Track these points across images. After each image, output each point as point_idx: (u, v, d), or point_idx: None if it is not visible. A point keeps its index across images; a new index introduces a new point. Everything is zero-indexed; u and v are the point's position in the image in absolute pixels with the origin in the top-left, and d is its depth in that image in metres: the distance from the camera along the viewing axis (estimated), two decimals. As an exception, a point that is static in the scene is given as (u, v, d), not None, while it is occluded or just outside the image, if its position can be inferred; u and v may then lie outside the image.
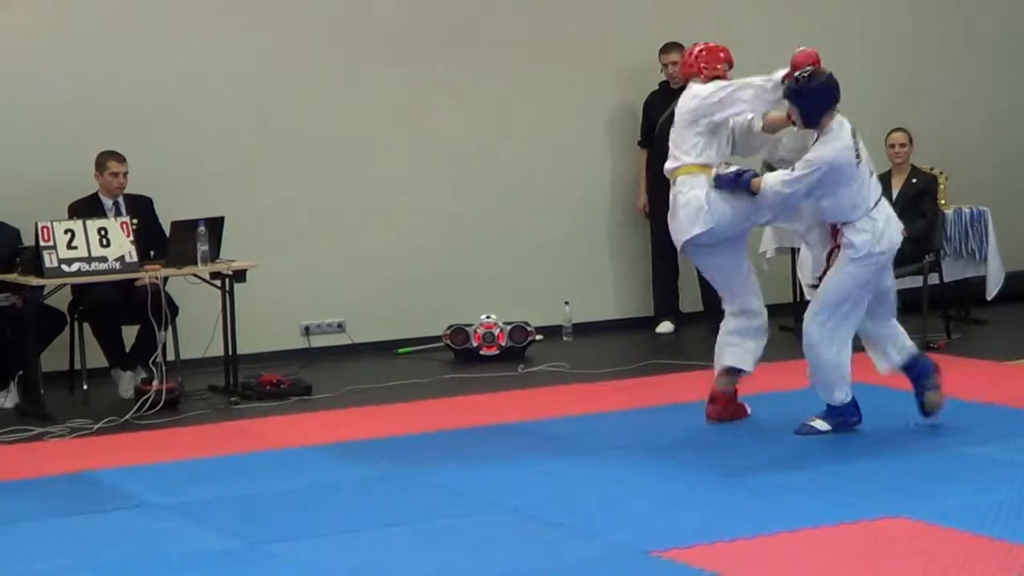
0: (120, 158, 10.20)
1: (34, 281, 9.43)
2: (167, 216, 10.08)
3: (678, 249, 8.76)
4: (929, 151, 11.90)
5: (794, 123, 8.27)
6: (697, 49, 8.69)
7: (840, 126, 8.09)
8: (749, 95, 8.36)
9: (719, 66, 8.61)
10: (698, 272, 12.21)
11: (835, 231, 8.13)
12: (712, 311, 12.24)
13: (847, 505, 6.80)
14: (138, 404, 9.44)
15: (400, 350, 11.57)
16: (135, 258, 9.61)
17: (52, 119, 10.68)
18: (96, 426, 9.11)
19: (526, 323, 11.31)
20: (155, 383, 9.57)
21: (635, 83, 12.04)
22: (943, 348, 10.58)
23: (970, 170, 12.63)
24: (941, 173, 11.96)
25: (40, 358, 9.68)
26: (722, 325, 8.81)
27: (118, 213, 10.07)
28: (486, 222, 11.90)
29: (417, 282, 11.71)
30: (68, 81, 10.74)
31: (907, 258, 10.97)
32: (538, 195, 12.10)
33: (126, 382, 10.04)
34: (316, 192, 11.44)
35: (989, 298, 11.59)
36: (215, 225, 9.86)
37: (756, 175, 8.20)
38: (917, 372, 8.18)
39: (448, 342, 11.32)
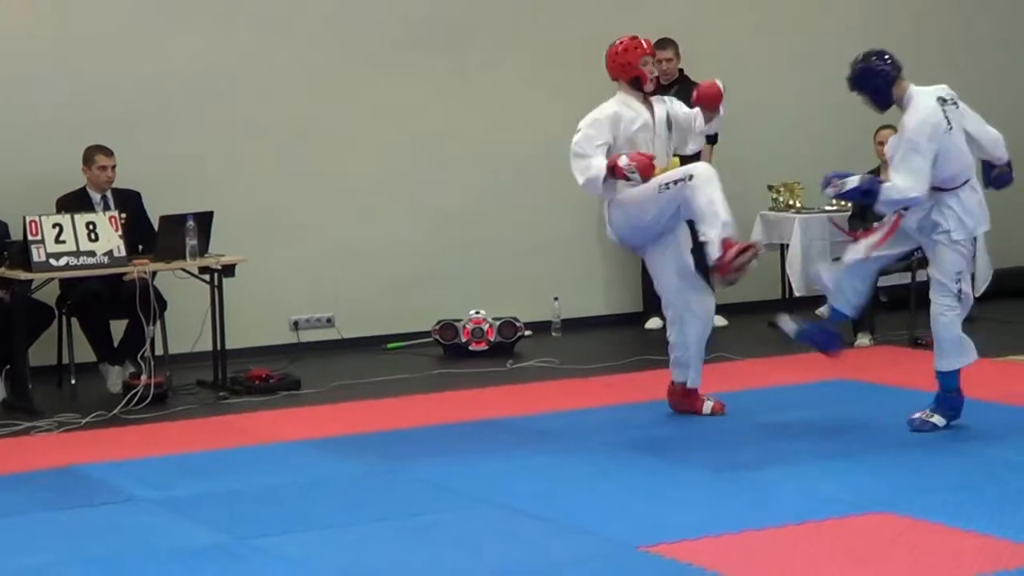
0: (108, 152, 10.21)
1: (22, 275, 9.42)
2: (156, 211, 10.09)
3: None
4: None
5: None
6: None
7: (916, 96, 8.00)
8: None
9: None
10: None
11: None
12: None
13: (834, 500, 6.82)
14: (126, 399, 9.45)
15: (389, 345, 11.58)
16: (123, 252, 9.60)
17: (40, 114, 10.68)
18: (84, 420, 9.11)
19: (515, 319, 11.32)
20: (143, 378, 9.58)
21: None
22: (930, 344, 10.57)
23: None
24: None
25: (28, 352, 9.68)
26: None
27: (106, 207, 10.08)
28: (476, 218, 11.92)
29: (406, 277, 11.72)
30: (59, 78, 10.74)
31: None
32: (528, 192, 12.12)
33: (114, 376, 10.05)
34: (306, 187, 11.45)
35: (977, 295, 11.59)
36: (204, 220, 9.86)
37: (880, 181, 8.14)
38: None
39: (437, 337, 11.33)
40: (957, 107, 8.02)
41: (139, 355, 9.73)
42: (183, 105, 11.07)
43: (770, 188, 12.04)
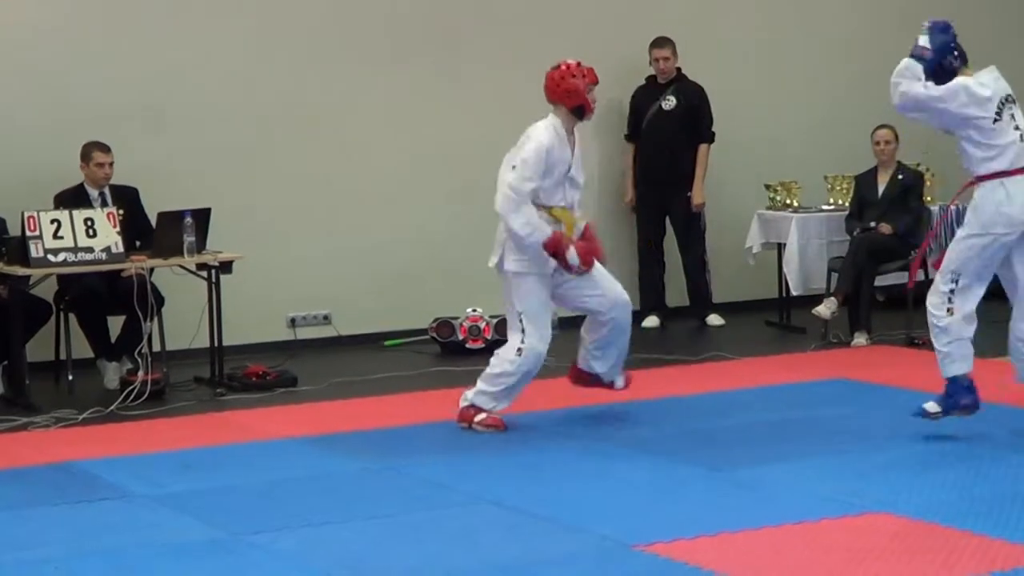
0: (105, 148, 10.21)
1: (20, 271, 9.43)
2: (153, 207, 10.10)
3: None
4: (916, 148, 11.93)
5: None
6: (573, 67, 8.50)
7: (975, 77, 7.74)
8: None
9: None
10: (684, 267, 12.33)
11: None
12: (697, 305, 12.32)
13: (830, 500, 6.84)
14: (123, 395, 9.45)
15: (387, 343, 11.59)
16: (121, 248, 9.62)
17: (37, 111, 10.68)
18: (81, 416, 9.12)
19: (512, 316, 11.31)
20: (140, 374, 9.58)
21: (622, 78, 12.05)
22: (927, 344, 10.59)
23: (956, 167, 12.63)
24: (927, 170, 12.01)
25: (25, 348, 9.69)
26: None
27: (104, 204, 10.08)
28: (473, 215, 11.86)
29: (403, 275, 11.73)
30: (56, 74, 10.74)
31: (893, 254, 11.05)
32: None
33: (111, 373, 10.06)
34: (304, 184, 11.45)
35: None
36: (202, 216, 9.86)
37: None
38: None
39: (434, 335, 11.34)
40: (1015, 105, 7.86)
41: (136, 351, 9.73)
42: (180, 102, 11.07)
43: (767, 187, 12.06)
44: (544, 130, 8.39)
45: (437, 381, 10.14)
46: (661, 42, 12.06)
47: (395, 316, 11.67)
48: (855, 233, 11.18)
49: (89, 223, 9.55)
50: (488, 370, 8.53)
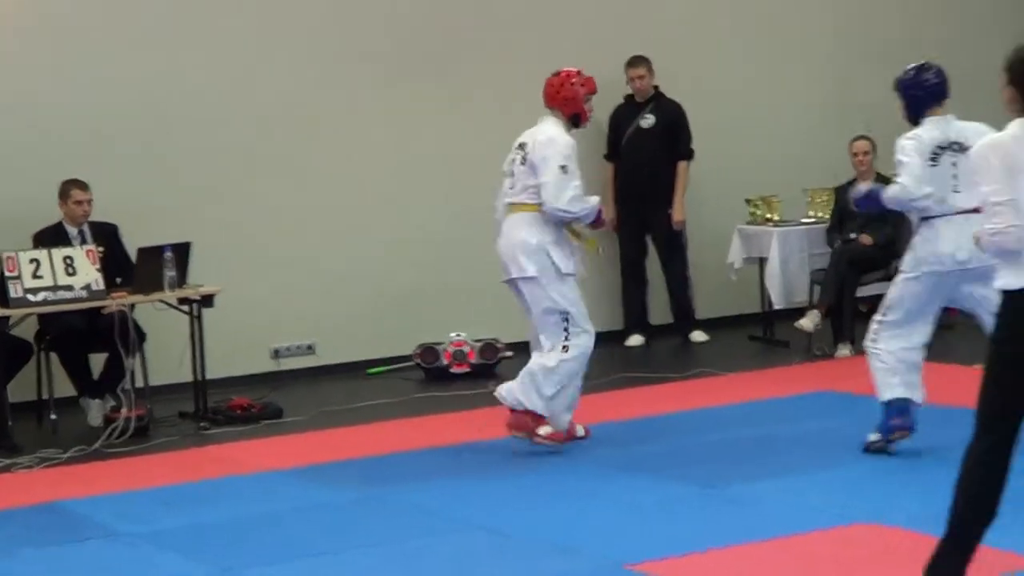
0: (84, 186, 10.21)
1: (-1, 312, 9.45)
2: (133, 242, 10.10)
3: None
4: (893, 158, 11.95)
5: None
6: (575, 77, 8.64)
7: (932, 123, 7.96)
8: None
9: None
10: (667, 284, 12.36)
11: None
12: (681, 322, 12.35)
13: (819, 512, 6.88)
14: (107, 432, 9.45)
15: (370, 370, 11.60)
16: (101, 286, 9.63)
17: (15, 148, 10.68)
18: (65, 455, 9.11)
19: (496, 340, 11.35)
20: (124, 410, 9.56)
21: (600, 97, 12.04)
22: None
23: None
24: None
25: (7, 389, 9.67)
26: None
27: (83, 241, 10.07)
28: (454, 241, 11.92)
29: (386, 302, 11.74)
30: (31, 109, 10.74)
31: (874, 264, 11.09)
32: (505, 212, 12.12)
33: (95, 410, 10.04)
34: (283, 215, 11.45)
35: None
36: (181, 250, 9.87)
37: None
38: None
39: (418, 361, 11.35)
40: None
41: (119, 388, 9.75)
42: (157, 136, 11.05)
43: (748, 202, 12.10)
44: (557, 131, 8.54)
45: (423, 407, 10.16)
46: (636, 61, 12.11)
47: (379, 343, 11.67)
48: (836, 245, 11.23)
49: (68, 261, 9.56)
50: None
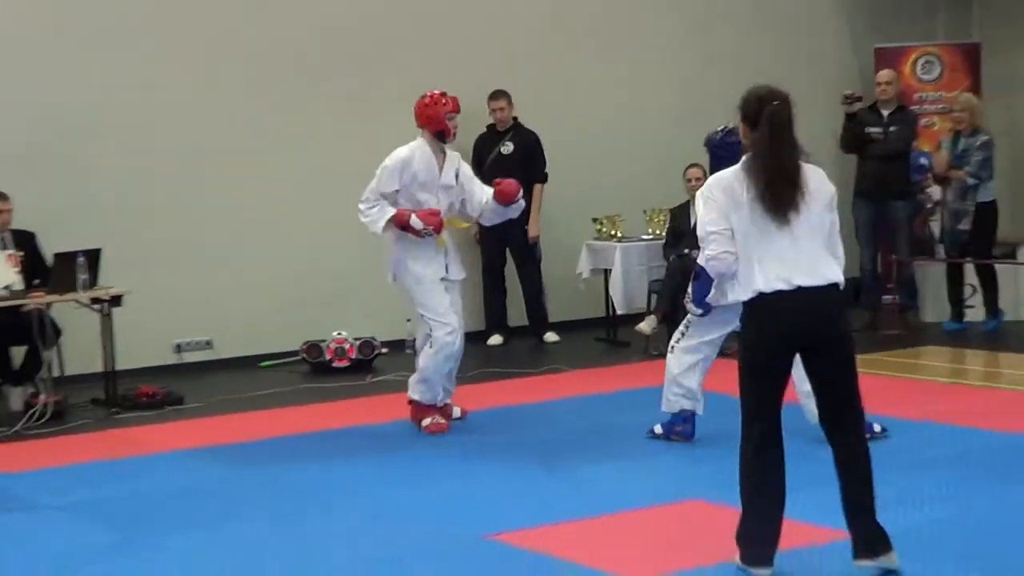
0: (4, 197, 10.14)
1: (-72, 309, 9.37)
2: (50, 249, 10.07)
3: None
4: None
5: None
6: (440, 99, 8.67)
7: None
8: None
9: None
10: (523, 291, 12.48)
11: None
12: (535, 324, 12.48)
13: (655, 490, 7.05)
14: (27, 416, 9.41)
15: (262, 363, 11.62)
16: (21, 286, 9.62)
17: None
18: (-11, 437, 9.09)
19: (373, 338, 11.41)
20: (42, 397, 9.55)
21: (464, 125, 12.14)
22: (735, 354, 10.80)
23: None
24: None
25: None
26: None
27: (4, 247, 10.03)
28: (336, 249, 11.93)
29: (276, 303, 11.74)
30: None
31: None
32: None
33: (16, 397, 10.00)
34: (184, 225, 11.40)
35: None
36: (93, 256, 9.85)
37: None
38: None
39: (304, 356, 11.40)
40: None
41: (38, 377, 9.73)
42: (71, 150, 10.94)
43: (594, 220, 12.24)
44: (405, 148, 8.60)
45: (308, 397, 10.20)
46: (497, 95, 12.22)
47: (269, 340, 11.68)
48: (671, 259, 11.40)
49: (-8, 264, 9.52)
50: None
